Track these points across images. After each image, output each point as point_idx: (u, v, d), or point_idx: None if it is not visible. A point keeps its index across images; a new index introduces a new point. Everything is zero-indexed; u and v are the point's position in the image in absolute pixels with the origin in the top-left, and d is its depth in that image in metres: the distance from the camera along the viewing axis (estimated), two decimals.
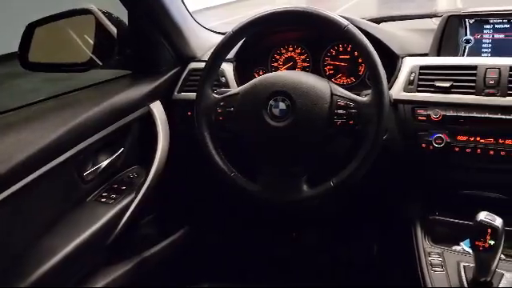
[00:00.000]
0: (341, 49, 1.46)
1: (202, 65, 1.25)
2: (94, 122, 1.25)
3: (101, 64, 1.36)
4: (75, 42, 1.39)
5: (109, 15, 1.35)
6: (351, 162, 1.08)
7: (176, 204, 1.68)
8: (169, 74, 1.51)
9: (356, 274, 1.71)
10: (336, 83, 1.38)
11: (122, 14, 1.42)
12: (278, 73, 1.19)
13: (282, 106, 1.10)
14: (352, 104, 1.08)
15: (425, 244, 1.18)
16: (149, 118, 1.43)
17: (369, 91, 1.09)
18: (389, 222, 1.56)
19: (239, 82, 1.43)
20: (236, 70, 1.47)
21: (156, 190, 1.38)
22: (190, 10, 1.59)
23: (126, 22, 1.43)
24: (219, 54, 1.21)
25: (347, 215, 1.71)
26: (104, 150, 1.34)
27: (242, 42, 1.48)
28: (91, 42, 1.35)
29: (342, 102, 1.08)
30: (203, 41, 1.61)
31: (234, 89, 1.23)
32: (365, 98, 1.08)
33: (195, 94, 1.23)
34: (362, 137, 1.07)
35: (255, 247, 1.88)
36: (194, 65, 1.54)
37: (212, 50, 1.23)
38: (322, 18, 1.11)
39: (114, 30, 1.36)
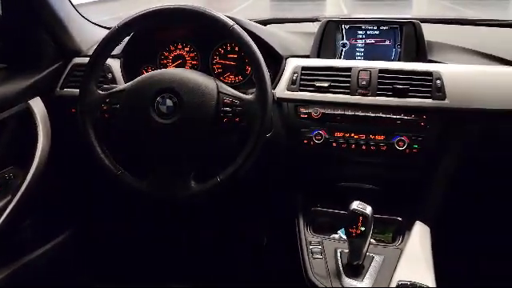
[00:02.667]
0: (229, 48, 1.49)
1: (87, 60, 1.20)
2: None
3: None
4: None
5: None
6: (237, 157, 1.11)
7: (60, 205, 1.59)
8: (50, 69, 1.43)
9: (247, 267, 1.76)
10: (224, 82, 1.41)
11: None
12: (166, 70, 1.18)
13: (169, 103, 1.10)
14: (238, 102, 1.11)
15: (307, 234, 1.26)
16: (27, 115, 1.34)
17: (254, 89, 1.14)
18: (276, 214, 1.63)
19: (127, 79, 1.40)
20: (123, 67, 1.44)
21: (36, 192, 1.30)
22: (78, 3, 1.53)
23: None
24: (104, 49, 1.18)
25: (238, 210, 1.76)
26: None
27: (129, 37, 1.46)
28: None
29: (228, 100, 1.11)
30: (88, 35, 1.55)
31: (121, 85, 1.20)
32: (249, 96, 1.12)
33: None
34: (247, 133, 1.11)
35: (145, 247, 1.85)
36: (78, 60, 1.48)
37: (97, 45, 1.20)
38: (209, 18, 1.13)
39: None
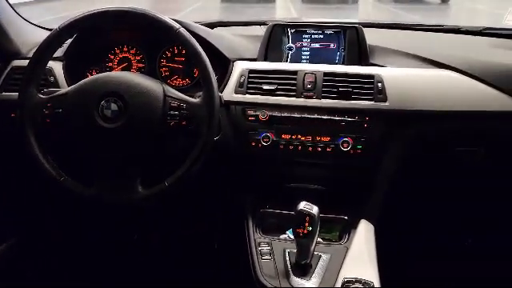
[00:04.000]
0: (176, 51, 1.48)
1: (27, 62, 1.17)
2: None
3: None
4: None
5: None
6: (185, 161, 1.11)
7: (2, 213, 1.52)
8: None
9: (198, 269, 1.75)
10: (172, 85, 1.41)
11: None
12: (110, 73, 1.16)
13: (113, 107, 1.08)
14: (184, 105, 1.11)
15: (256, 235, 1.27)
16: None
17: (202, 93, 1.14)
18: (225, 216, 1.63)
19: (70, 83, 1.36)
20: (66, 70, 1.40)
21: None
22: (20, 2, 1.47)
23: None
24: (44, 51, 1.14)
25: (188, 213, 1.75)
26: None
27: (72, 39, 1.42)
28: None
29: (174, 103, 1.11)
30: (28, 37, 1.50)
31: (63, 89, 1.17)
32: (196, 100, 1.12)
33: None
34: (194, 137, 1.11)
35: (94, 252, 1.81)
36: (17, 62, 1.43)
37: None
38: (154, 21, 1.12)
39: None
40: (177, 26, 1.11)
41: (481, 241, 1.73)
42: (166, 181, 1.11)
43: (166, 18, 1.13)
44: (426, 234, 1.68)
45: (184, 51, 1.47)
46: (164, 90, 1.12)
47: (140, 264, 1.82)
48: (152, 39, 1.46)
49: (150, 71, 1.48)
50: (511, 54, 1.51)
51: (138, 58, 1.49)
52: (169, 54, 1.48)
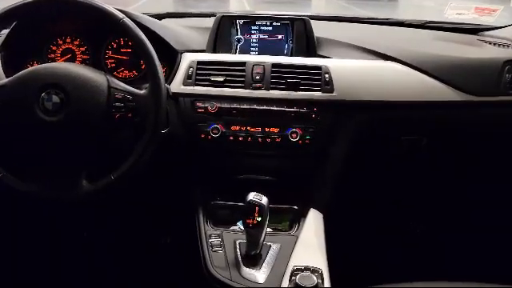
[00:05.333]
0: (122, 42, 1.44)
1: None
2: None
3: None
4: None
5: None
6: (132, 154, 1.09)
7: None
8: None
9: (150, 265, 1.73)
10: (118, 77, 1.38)
11: None
12: (50, 64, 1.12)
13: (55, 99, 1.04)
14: (130, 97, 1.08)
15: (206, 228, 1.26)
16: None
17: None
18: (177, 210, 1.61)
19: (9, 75, 1.30)
20: (5, 62, 1.34)
21: None
22: None
23: None
24: None
25: (137, 208, 1.72)
26: None
27: (10, 29, 1.36)
28: None
29: (119, 95, 1.08)
30: None
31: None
32: (142, 91, 1.10)
33: None
34: (141, 129, 1.09)
35: (39, 251, 1.75)
36: None
37: None
38: (97, 10, 1.09)
39: None
40: (121, 15, 1.09)
41: (431, 229, 1.80)
42: (112, 174, 1.08)
43: (110, 8, 1.10)
44: (374, 222, 1.73)
45: (130, 42, 1.44)
46: (108, 82, 1.09)
47: (89, 262, 1.77)
48: (96, 30, 1.42)
49: (95, 63, 1.43)
50: (452, 46, 1.58)
51: (83, 49, 1.44)
52: (114, 45, 1.44)
